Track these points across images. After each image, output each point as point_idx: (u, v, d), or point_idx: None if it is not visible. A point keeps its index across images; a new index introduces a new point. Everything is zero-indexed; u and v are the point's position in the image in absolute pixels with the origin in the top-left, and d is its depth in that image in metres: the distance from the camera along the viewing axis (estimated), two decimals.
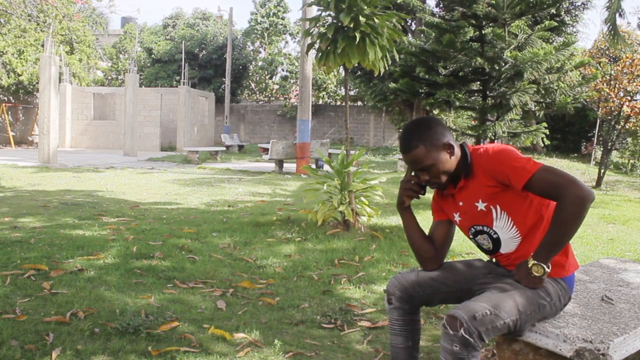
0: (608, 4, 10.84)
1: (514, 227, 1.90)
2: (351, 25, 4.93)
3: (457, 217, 2.03)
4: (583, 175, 14.71)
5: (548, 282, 1.86)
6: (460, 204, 1.99)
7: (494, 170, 1.84)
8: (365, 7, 4.99)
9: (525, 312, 1.77)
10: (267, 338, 2.71)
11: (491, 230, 1.95)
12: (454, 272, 2.06)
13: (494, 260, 2.09)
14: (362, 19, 4.90)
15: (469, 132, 8.27)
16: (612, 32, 10.97)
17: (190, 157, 16.21)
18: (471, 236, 2.04)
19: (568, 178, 1.72)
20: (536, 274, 1.79)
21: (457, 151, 1.94)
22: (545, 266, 1.77)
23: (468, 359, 1.67)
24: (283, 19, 30.67)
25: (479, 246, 2.05)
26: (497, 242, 1.96)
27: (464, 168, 1.93)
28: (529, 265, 1.80)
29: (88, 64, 23.74)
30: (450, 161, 1.91)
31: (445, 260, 2.13)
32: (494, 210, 1.91)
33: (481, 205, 1.92)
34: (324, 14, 5.35)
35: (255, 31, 30.48)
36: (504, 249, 1.96)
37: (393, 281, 2.06)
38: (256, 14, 30.39)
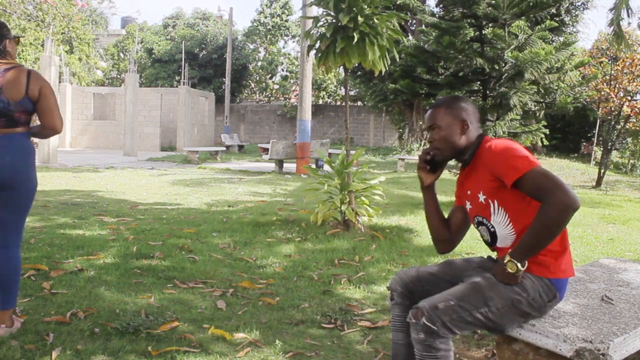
0: (613, 7, 10.90)
1: (510, 224, 1.91)
2: (350, 25, 4.94)
3: (468, 205, 2.08)
4: (583, 175, 14.72)
5: (527, 277, 1.86)
6: (468, 192, 2.05)
7: (491, 165, 1.88)
8: (365, 7, 4.99)
9: (495, 305, 1.80)
10: (267, 338, 2.71)
11: (489, 224, 1.99)
12: (452, 267, 2.11)
13: (494, 255, 2.10)
14: (361, 19, 4.90)
15: None
16: (616, 34, 11.02)
17: (190, 157, 16.20)
18: (475, 226, 2.09)
19: (557, 182, 1.73)
20: (510, 270, 1.80)
21: (472, 135, 2.01)
22: (519, 264, 1.79)
23: (435, 344, 1.74)
24: (287, 21, 30.68)
25: (482, 237, 2.09)
26: (493, 236, 2.00)
27: (470, 154, 2.00)
28: (504, 262, 1.82)
29: (88, 63, 23.74)
30: (458, 136, 2.00)
31: (446, 259, 2.16)
32: (492, 205, 1.94)
33: (482, 198, 1.97)
34: (324, 13, 5.35)
35: (258, 31, 30.46)
36: (500, 244, 1.99)
37: (395, 278, 2.12)
38: (261, 13, 30.35)
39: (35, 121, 2.72)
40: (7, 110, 2.51)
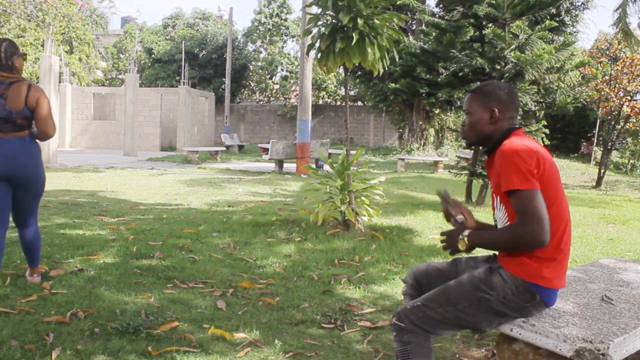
0: (617, 7, 10.95)
1: (508, 222, 1.92)
2: (350, 25, 4.93)
3: None
4: (583, 175, 14.72)
5: (499, 275, 1.87)
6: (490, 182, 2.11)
7: (497, 164, 1.89)
8: (363, 8, 4.98)
9: (461, 304, 1.87)
10: (267, 338, 2.71)
11: (494, 217, 2.03)
12: (456, 265, 2.14)
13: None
14: (360, 20, 4.89)
15: None
16: (624, 32, 11.06)
17: (190, 157, 16.20)
18: None
19: (538, 215, 1.74)
20: (459, 247, 1.92)
21: (502, 126, 1.99)
22: (467, 242, 1.89)
23: (404, 338, 1.89)
24: (286, 20, 30.68)
25: None
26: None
27: (494, 144, 2.00)
28: (463, 234, 1.91)
29: (88, 63, 23.73)
30: (485, 124, 2.00)
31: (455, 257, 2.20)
32: (496, 200, 1.99)
33: (491, 190, 2.03)
34: (322, 14, 5.34)
35: (258, 31, 30.45)
36: None
37: (409, 270, 2.24)
38: (260, 13, 30.35)
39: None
40: (11, 117, 3.05)
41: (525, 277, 1.85)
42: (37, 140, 3.29)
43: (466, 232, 1.92)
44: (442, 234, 2.01)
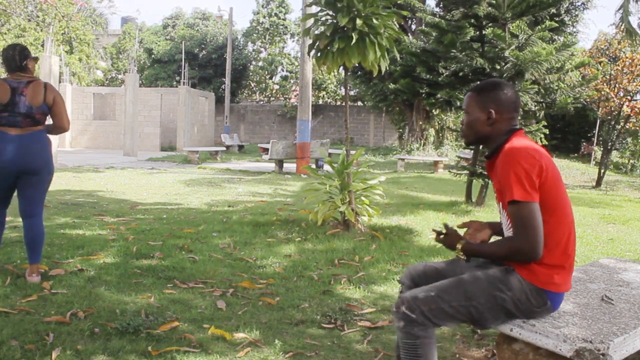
0: (620, 7, 11.01)
1: (511, 229, 1.91)
2: (350, 26, 4.93)
3: None
4: (583, 175, 14.72)
5: (515, 276, 1.86)
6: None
7: (499, 171, 1.87)
8: (363, 8, 4.97)
9: (477, 300, 1.83)
10: (267, 338, 2.71)
11: (500, 220, 2.03)
12: (456, 265, 2.13)
13: None
14: (359, 20, 4.89)
15: None
16: (628, 31, 11.11)
17: (190, 157, 16.20)
18: None
19: (534, 229, 1.75)
20: (458, 255, 1.94)
21: (501, 127, 1.96)
22: (462, 252, 1.92)
23: (413, 332, 1.82)
24: (284, 19, 30.67)
25: None
26: (501, 235, 2.05)
27: (494, 147, 1.96)
28: (460, 245, 1.93)
29: (88, 63, 23.72)
30: (482, 125, 1.97)
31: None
32: (499, 205, 1.98)
33: (495, 194, 2.01)
34: (322, 13, 5.34)
35: (257, 31, 30.45)
36: None
37: (405, 271, 2.21)
38: (258, 13, 30.36)
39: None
40: (31, 112, 3.36)
41: (537, 284, 1.85)
42: (49, 135, 3.52)
43: (461, 243, 1.93)
44: (437, 240, 2.04)
